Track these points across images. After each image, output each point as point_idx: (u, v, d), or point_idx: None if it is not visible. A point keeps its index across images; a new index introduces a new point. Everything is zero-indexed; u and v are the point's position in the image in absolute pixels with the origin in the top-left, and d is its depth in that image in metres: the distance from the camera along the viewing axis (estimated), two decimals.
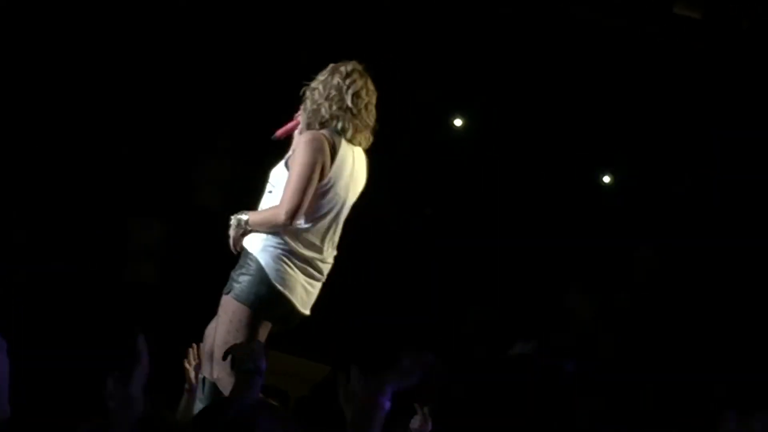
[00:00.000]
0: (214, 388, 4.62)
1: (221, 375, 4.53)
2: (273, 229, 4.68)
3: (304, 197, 4.64)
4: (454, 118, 9.61)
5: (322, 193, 4.74)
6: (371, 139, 4.91)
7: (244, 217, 4.73)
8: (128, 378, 2.49)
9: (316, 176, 4.69)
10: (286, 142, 4.99)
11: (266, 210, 4.75)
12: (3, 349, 3.11)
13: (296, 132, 4.91)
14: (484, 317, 9.24)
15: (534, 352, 8.34)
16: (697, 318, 8.96)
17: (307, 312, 4.82)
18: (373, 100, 4.87)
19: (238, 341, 4.43)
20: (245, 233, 4.75)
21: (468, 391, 8.12)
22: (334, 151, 4.74)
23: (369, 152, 4.96)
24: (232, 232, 4.76)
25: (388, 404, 3.25)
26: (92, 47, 8.46)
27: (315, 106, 4.79)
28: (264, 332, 4.73)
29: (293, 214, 4.63)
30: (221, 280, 4.79)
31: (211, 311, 4.82)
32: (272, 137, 4.95)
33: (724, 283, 8.95)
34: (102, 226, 8.47)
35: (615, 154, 9.53)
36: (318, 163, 4.69)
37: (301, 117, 4.88)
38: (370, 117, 4.86)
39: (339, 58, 4.93)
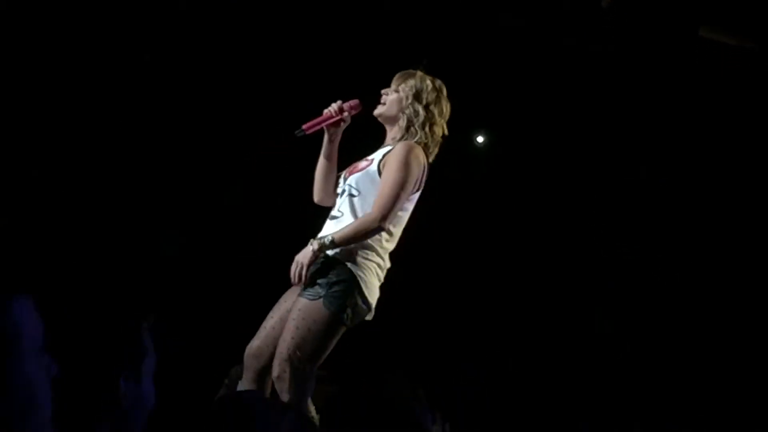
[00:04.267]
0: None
1: (283, 375, 4.57)
2: (363, 237, 4.64)
3: (398, 204, 4.66)
4: (477, 135, 9.67)
5: (411, 202, 4.81)
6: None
7: (328, 237, 4.63)
8: (138, 374, 2.51)
9: (412, 188, 4.73)
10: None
11: (353, 222, 4.67)
12: (31, 309, 3.06)
13: (388, 134, 4.94)
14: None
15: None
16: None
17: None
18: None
19: (315, 346, 4.55)
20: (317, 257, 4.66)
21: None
22: (425, 168, 4.80)
23: None
24: (308, 258, 4.61)
25: None
26: (128, 52, 8.55)
27: (415, 119, 4.84)
28: (337, 338, 4.75)
29: (388, 218, 4.63)
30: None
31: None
32: (298, 132, 4.85)
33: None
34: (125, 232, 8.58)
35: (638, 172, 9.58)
36: (418, 177, 4.73)
37: (378, 111, 4.93)
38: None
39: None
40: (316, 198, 5.03)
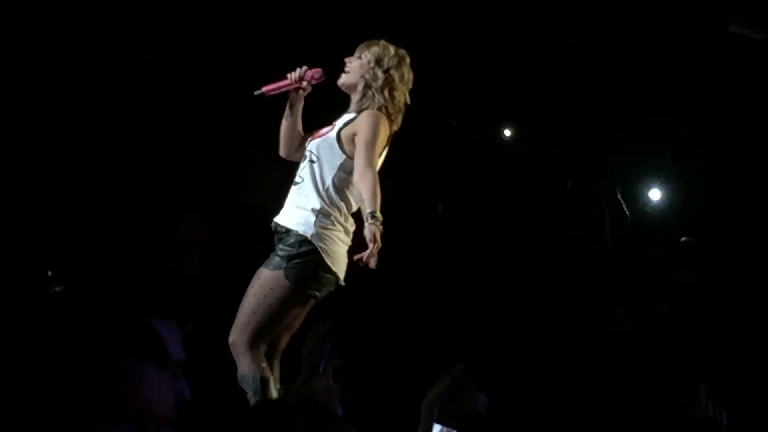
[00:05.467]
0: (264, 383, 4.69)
1: (237, 341, 4.70)
2: (377, 189, 4.63)
3: (376, 155, 4.76)
4: (505, 128, 9.64)
5: None
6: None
7: (377, 213, 4.57)
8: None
9: (380, 150, 4.84)
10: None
11: (367, 190, 4.64)
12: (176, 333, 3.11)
13: (352, 102, 4.97)
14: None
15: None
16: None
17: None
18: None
19: (270, 313, 4.67)
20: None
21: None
22: (388, 138, 4.92)
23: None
24: (377, 235, 4.53)
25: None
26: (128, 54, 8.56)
27: (374, 82, 4.91)
28: (307, 308, 4.84)
29: (375, 165, 4.72)
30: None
31: None
32: (257, 93, 4.96)
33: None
34: (150, 220, 8.58)
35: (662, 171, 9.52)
36: (383, 143, 4.85)
37: (342, 80, 4.98)
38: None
39: None
40: (281, 153, 5.14)
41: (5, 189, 8.09)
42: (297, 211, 4.82)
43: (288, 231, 4.79)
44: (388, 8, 8.15)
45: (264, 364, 4.70)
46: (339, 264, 4.78)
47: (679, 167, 9.52)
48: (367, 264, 4.49)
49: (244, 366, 4.67)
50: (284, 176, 5.11)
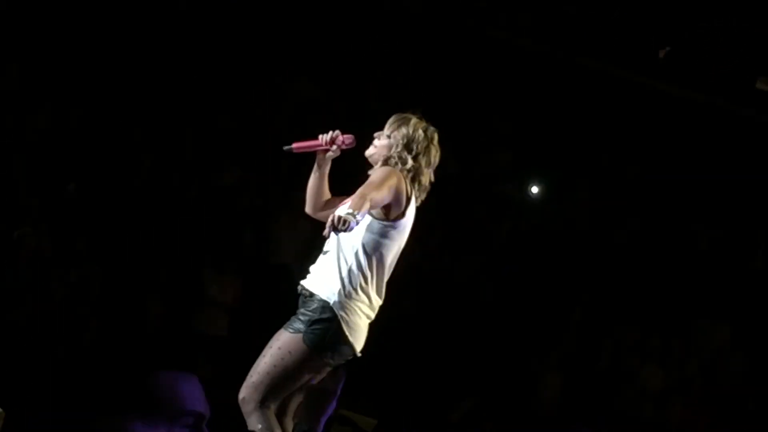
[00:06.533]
0: None
1: (247, 398, 4.68)
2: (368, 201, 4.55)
3: (381, 196, 4.62)
4: (532, 185, 9.63)
5: (398, 231, 4.81)
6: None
7: (355, 213, 4.42)
8: None
9: (394, 195, 4.72)
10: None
11: (354, 197, 4.57)
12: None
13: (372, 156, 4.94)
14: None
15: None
16: None
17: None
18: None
19: (284, 376, 4.64)
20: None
21: None
22: (408, 196, 4.82)
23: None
24: (348, 218, 4.42)
25: None
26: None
27: (398, 152, 4.85)
28: (322, 374, 4.83)
29: (369, 195, 4.56)
30: None
31: None
32: (286, 148, 4.95)
33: None
34: (179, 278, 8.62)
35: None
36: (395, 192, 4.73)
37: (369, 153, 4.92)
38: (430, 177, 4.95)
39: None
40: (307, 210, 5.07)
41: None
42: (324, 277, 4.80)
43: (312, 295, 4.76)
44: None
45: (273, 422, 4.70)
46: (357, 335, 4.75)
47: None
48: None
49: (253, 423, 4.67)
50: (312, 236, 5.11)
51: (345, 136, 4.95)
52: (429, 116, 4.94)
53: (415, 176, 4.84)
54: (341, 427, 7.20)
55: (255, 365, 4.76)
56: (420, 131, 4.93)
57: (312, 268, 4.87)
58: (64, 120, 8.54)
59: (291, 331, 4.71)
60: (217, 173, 9.03)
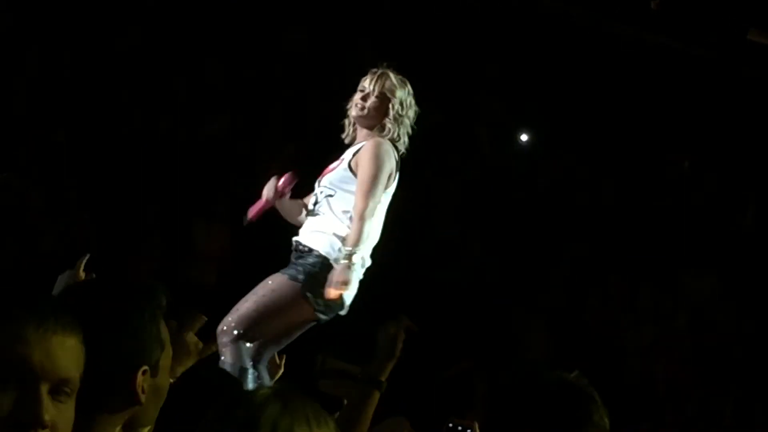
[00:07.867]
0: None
1: (227, 330, 4.72)
2: (365, 230, 4.75)
3: (377, 195, 4.79)
4: (521, 134, 9.59)
5: (386, 195, 4.93)
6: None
7: (356, 251, 4.73)
8: None
9: (386, 180, 4.86)
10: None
11: (355, 230, 4.76)
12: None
13: (360, 133, 4.99)
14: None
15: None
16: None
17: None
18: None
19: (269, 315, 4.71)
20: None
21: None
22: (397, 165, 4.95)
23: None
24: (350, 275, 4.73)
25: None
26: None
27: (393, 118, 4.93)
28: (303, 329, 4.89)
29: (369, 208, 4.76)
30: None
31: None
32: (245, 222, 5.15)
33: None
34: (167, 230, 8.60)
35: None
36: (391, 169, 4.87)
37: (358, 114, 5.00)
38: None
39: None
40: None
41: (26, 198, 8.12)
42: (320, 235, 4.85)
43: (311, 251, 4.82)
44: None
45: (247, 358, 4.70)
46: (349, 292, 4.82)
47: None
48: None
49: (227, 355, 4.68)
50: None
51: (283, 179, 5.07)
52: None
53: (401, 126, 4.93)
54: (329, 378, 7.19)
55: (242, 300, 4.80)
56: (408, 87, 4.97)
57: (304, 225, 4.93)
58: (53, 67, 8.48)
59: (287, 277, 4.78)
60: (208, 119, 8.99)
